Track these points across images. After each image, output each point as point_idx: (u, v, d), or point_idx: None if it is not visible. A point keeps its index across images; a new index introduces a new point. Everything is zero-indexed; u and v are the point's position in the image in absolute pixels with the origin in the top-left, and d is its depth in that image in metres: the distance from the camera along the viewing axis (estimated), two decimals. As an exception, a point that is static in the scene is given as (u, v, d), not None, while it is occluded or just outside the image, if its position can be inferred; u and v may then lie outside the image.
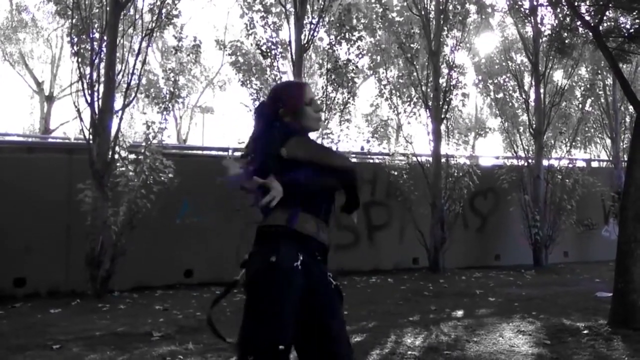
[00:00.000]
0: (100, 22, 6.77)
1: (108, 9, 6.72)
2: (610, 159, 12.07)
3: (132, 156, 7.04)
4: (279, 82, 7.71)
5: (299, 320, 1.92)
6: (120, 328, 4.83)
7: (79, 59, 6.63)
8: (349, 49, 8.51)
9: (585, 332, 4.54)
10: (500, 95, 10.71)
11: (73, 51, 6.76)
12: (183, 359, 3.87)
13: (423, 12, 9.13)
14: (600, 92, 11.86)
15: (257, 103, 8.50)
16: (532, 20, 9.69)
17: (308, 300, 1.94)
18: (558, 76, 10.73)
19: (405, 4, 9.62)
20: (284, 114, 2.17)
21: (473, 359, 3.87)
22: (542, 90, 9.84)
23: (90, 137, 6.51)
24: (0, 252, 6.39)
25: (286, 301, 1.91)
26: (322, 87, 8.59)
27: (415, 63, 9.31)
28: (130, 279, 6.90)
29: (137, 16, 7.13)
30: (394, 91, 9.73)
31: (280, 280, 1.92)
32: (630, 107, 9.93)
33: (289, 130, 2.11)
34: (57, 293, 6.54)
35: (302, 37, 8.09)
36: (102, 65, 6.71)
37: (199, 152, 11.02)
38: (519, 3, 9.12)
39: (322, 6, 8.14)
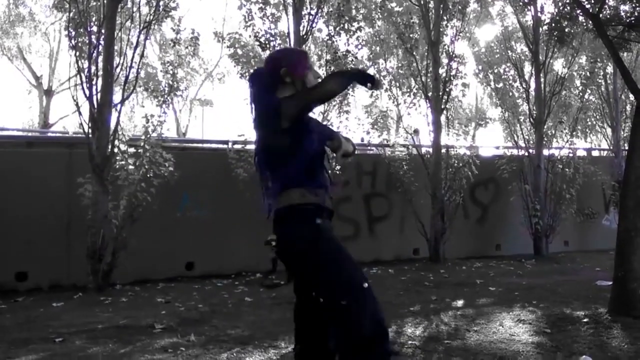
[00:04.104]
0: (98, 15, 6.72)
1: (105, 1, 6.67)
2: (611, 147, 12.05)
3: (132, 150, 7.03)
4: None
5: None
6: (122, 321, 4.85)
7: (77, 53, 6.60)
8: (348, 39, 8.46)
9: (585, 320, 4.56)
10: (501, 85, 10.67)
11: (71, 45, 6.73)
12: (185, 351, 3.89)
13: (422, 2, 9.06)
14: (601, 81, 11.82)
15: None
16: (532, 9, 9.64)
17: None
18: (558, 65, 10.70)
19: (404, -7, 9.57)
20: (285, 74, 2.18)
21: (473, 348, 3.89)
22: (542, 80, 9.80)
23: (90, 131, 6.50)
24: (2, 247, 6.42)
25: (344, 248, 2.12)
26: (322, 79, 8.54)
27: (414, 53, 9.27)
28: (132, 272, 6.92)
29: (135, 9, 7.10)
30: (393, 82, 9.70)
31: (331, 234, 2.14)
32: (631, 96, 9.89)
33: (276, 99, 2.11)
34: (59, 287, 6.57)
35: (301, 28, 8.04)
36: (101, 58, 6.68)
37: (199, 145, 10.99)
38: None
39: (320, -3, 8.08)
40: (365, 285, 2.04)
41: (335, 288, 2.03)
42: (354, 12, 8.75)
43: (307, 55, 2.36)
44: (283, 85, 2.20)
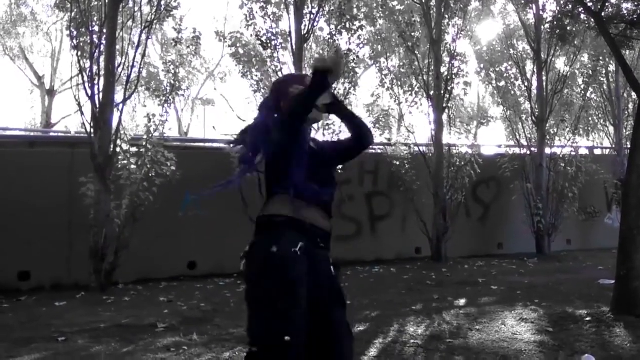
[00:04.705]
0: (100, 14, 6.74)
1: (107, 1, 6.68)
2: (613, 146, 12.02)
3: (134, 149, 7.04)
4: (280, 75, 7.65)
5: (307, 310, 1.88)
6: (125, 320, 4.86)
7: (79, 53, 6.61)
8: (349, 38, 8.47)
9: (587, 319, 4.55)
10: (503, 83, 10.65)
11: (73, 44, 6.74)
12: (187, 350, 3.90)
13: (424, 0, 9.06)
14: (603, 79, 11.79)
15: (258, 95, 8.48)
16: (534, 7, 9.62)
17: (313, 289, 1.91)
18: (560, 63, 10.68)
19: (405, -8, 9.55)
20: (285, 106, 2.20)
21: (476, 347, 3.89)
22: (544, 78, 9.79)
23: (92, 130, 6.51)
24: (4, 246, 6.43)
25: (291, 291, 1.86)
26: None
27: (416, 52, 9.26)
28: (134, 272, 6.94)
29: (136, 8, 7.10)
30: (395, 81, 9.69)
31: (283, 270, 1.88)
32: (633, 94, 9.87)
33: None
34: (62, 286, 6.57)
35: (302, 27, 8.05)
36: (102, 58, 6.69)
37: (201, 144, 11.01)
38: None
39: (321, -5, 8.08)
40: (287, 338, 1.79)
41: (255, 328, 1.89)
42: (355, 10, 8.75)
43: (306, 79, 2.17)
44: None
